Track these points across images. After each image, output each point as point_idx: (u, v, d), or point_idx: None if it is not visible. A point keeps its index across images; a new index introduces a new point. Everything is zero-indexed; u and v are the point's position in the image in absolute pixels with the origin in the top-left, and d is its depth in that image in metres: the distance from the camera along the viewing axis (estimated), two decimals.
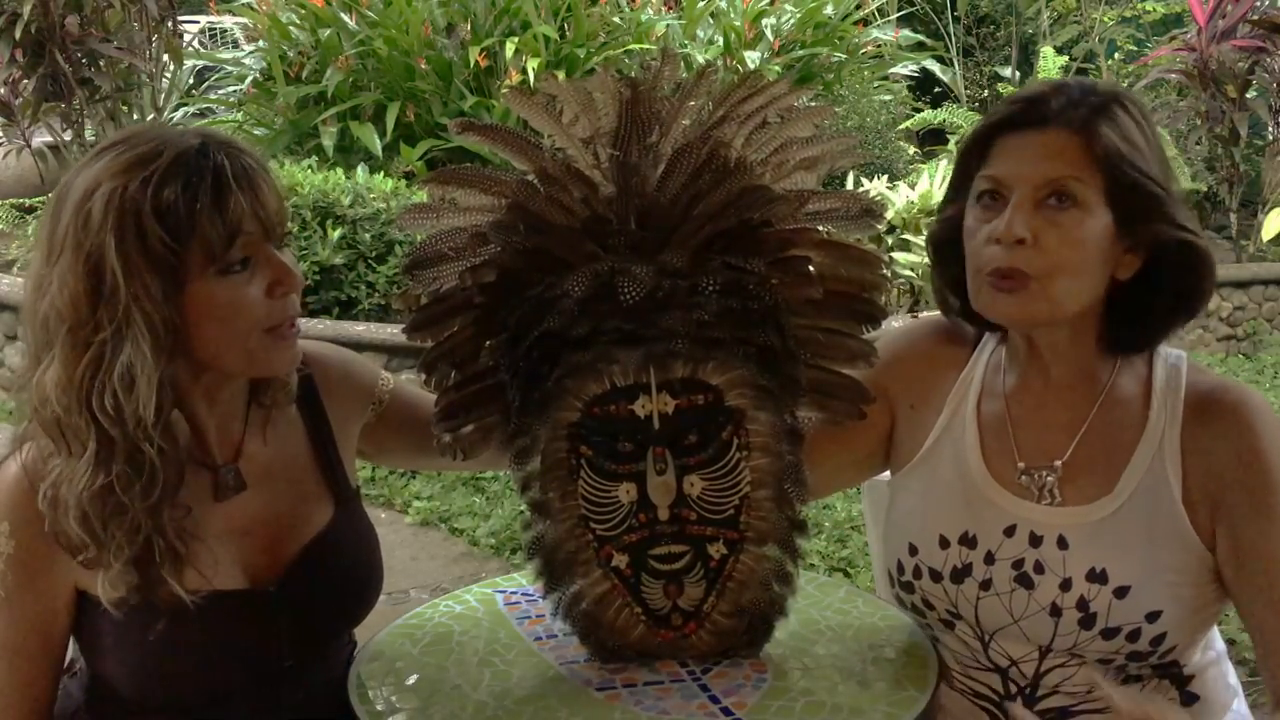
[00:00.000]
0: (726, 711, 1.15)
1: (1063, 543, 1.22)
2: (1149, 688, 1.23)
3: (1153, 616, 1.19)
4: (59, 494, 1.14)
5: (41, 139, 6.02)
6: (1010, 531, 1.25)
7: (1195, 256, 1.19)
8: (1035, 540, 1.23)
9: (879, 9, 8.39)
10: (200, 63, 7.73)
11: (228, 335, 1.16)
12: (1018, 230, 1.16)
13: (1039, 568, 1.22)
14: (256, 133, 6.57)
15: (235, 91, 7.27)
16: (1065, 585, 1.21)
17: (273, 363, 1.21)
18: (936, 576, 1.28)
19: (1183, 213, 1.19)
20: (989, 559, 1.25)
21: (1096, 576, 1.20)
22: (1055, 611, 1.21)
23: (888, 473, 1.42)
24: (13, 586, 1.18)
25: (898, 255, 5.26)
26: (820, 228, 1.22)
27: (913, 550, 1.30)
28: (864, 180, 6.13)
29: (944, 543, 1.28)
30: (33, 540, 1.17)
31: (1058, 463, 1.25)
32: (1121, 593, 1.19)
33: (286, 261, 1.18)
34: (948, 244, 1.29)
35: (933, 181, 5.67)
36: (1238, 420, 1.19)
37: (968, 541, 1.26)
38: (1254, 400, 1.21)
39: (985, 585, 1.25)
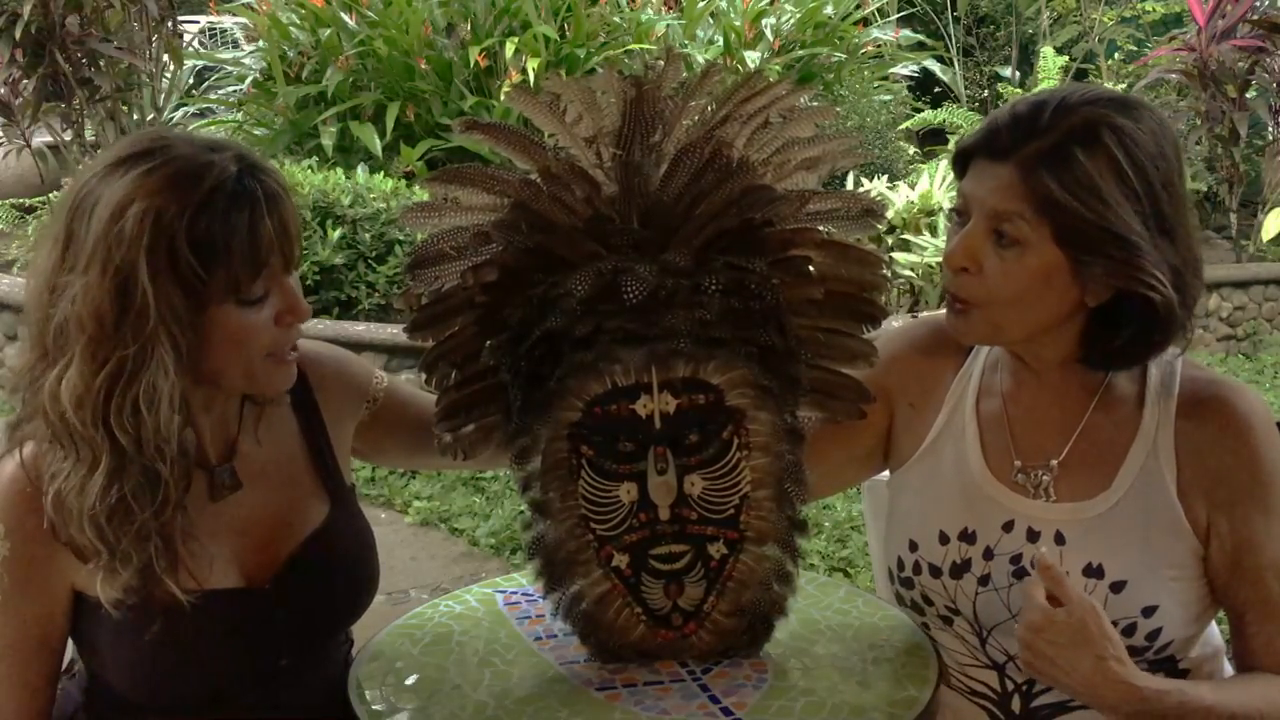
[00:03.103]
0: (726, 711, 1.15)
1: (1060, 538, 1.23)
2: None
3: (1149, 611, 1.20)
4: (66, 503, 1.13)
5: (41, 139, 6.02)
6: (1008, 527, 1.26)
7: (1152, 309, 1.15)
8: (1033, 536, 1.25)
9: (879, 9, 8.39)
10: (200, 63, 7.73)
11: (234, 358, 1.17)
12: (958, 259, 1.19)
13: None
14: (256, 133, 6.57)
15: (235, 91, 7.27)
16: None
17: (272, 384, 1.23)
18: (936, 572, 1.28)
19: (1154, 256, 1.14)
20: (987, 554, 1.26)
21: (1093, 571, 1.21)
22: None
23: (886, 472, 1.43)
24: (10, 588, 1.18)
25: (898, 255, 5.26)
26: (821, 228, 1.22)
27: (913, 546, 1.31)
28: (864, 180, 6.13)
29: (943, 538, 1.28)
30: (29, 541, 1.17)
31: (1053, 462, 1.26)
32: (1118, 588, 1.20)
33: (297, 292, 1.19)
34: None
35: (933, 181, 5.66)
36: (1231, 417, 1.21)
37: (967, 537, 1.27)
38: (1246, 396, 1.23)
39: (983, 581, 1.26)
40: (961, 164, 1.23)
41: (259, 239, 1.13)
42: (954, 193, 1.39)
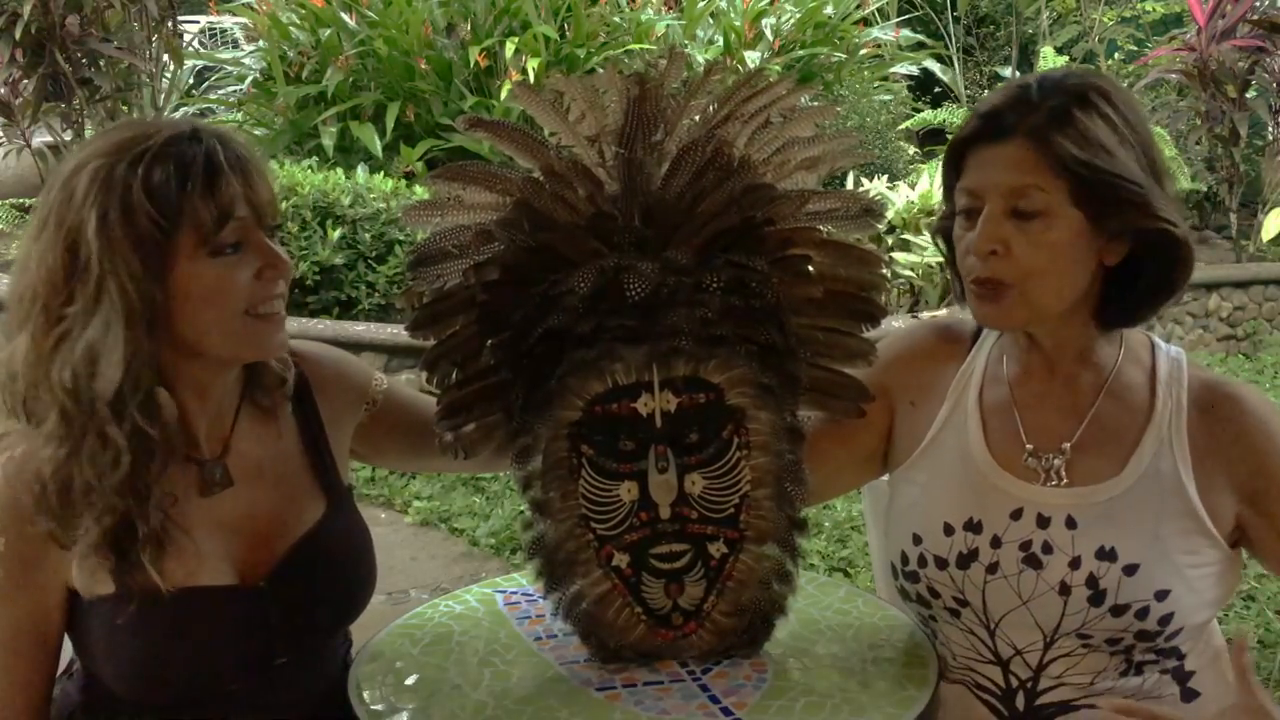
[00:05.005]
0: (726, 711, 1.15)
1: (1071, 523, 1.24)
2: (1150, 682, 1.25)
3: (1161, 595, 1.21)
4: (24, 470, 1.15)
5: (41, 139, 6.01)
6: (1016, 515, 1.26)
7: (1171, 243, 1.21)
8: (1043, 521, 1.25)
9: (879, 9, 8.39)
10: (200, 63, 7.73)
11: (212, 316, 1.16)
12: (986, 244, 1.20)
13: (1047, 548, 1.24)
14: (256, 133, 6.57)
15: (235, 91, 7.28)
16: (1074, 564, 1.23)
17: (258, 345, 1.19)
18: (942, 564, 1.29)
19: (1161, 199, 1.20)
20: (995, 543, 1.26)
21: (1106, 554, 1.22)
22: (1064, 590, 1.23)
23: (886, 476, 1.43)
24: (4, 584, 1.18)
25: (898, 255, 5.26)
26: (821, 227, 1.22)
27: (917, 540, 1.31)
28: (864, 180, 6.13)
29: (948, 529, 1.29)
30: (22, 538, 1.17)
31: (1066, 445, 1.27)
32: (1131, 570, 1.21)
33: (275, 247, 1.18)
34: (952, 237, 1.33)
35: (932, 181, 5.67)
36: (1247, 413, 1.24)
37: (973, 527, 1.28)
38: (1254, 392, 1.28)
39: (992, 569, 1.26)
40: (956, 163, 1.25)
41: (218, 186, 1.13)
42: None
